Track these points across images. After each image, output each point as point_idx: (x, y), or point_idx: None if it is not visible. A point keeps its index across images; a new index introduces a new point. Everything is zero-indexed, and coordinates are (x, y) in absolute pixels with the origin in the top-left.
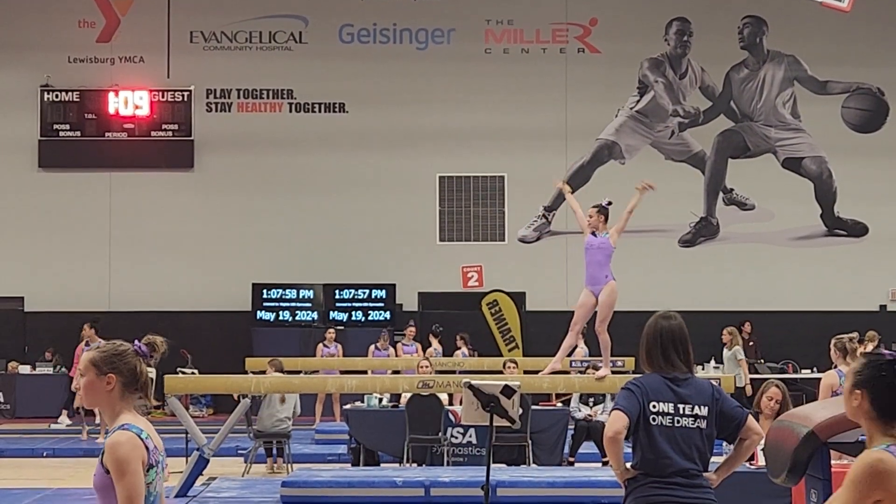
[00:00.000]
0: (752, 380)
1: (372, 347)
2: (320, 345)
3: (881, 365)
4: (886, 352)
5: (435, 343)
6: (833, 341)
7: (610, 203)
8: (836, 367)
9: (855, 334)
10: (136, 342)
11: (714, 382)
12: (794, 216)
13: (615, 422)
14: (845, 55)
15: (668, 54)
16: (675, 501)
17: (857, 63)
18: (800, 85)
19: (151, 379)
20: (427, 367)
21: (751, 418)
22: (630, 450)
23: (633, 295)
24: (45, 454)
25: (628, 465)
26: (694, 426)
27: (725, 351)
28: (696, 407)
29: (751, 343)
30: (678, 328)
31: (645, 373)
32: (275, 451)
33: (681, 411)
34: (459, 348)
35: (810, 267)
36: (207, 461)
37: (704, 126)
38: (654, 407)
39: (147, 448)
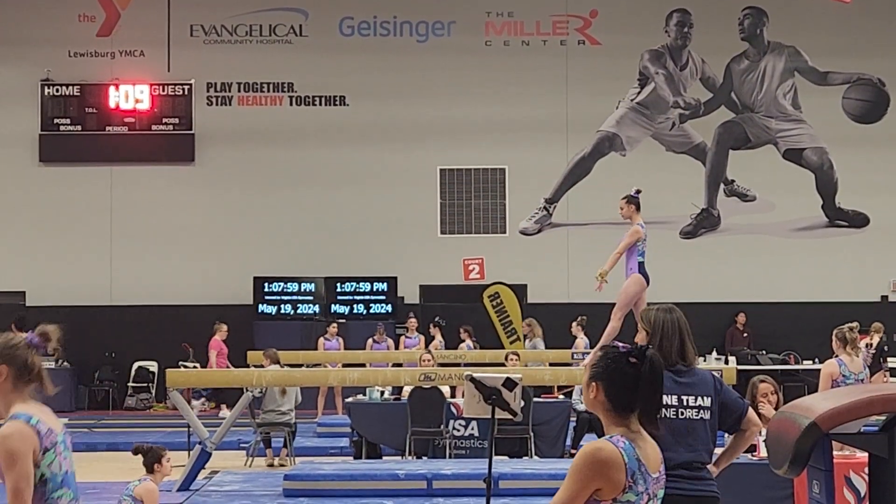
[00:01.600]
0: (750, 371)
1: (370, 341)
2: (322, 339)
3: (615, 357)
4: (620, 344)
5: (437, 336)
6: (835, 331)
7: (639, 192)
8: (836, 356)
9: (855, 324)
10: (30, 333)
11: (715, 373)
12: (796, 207)
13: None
14: (846, 46)
15: (669, 46)
16: (680, 493)
17: (857, 54)
18: (800, 76)
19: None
20: (429, 360)
21: (751, 410)
22: None
23: None
24: None
25: None
26: (697, 418)
27: (527, 342)
28: (700, 398)
29: (745, 334)
30: (684, 320)
31: None
32: (274, 443)
33: (684, 403)
34: (464, 341)
35: (811, 258)
36: (210, 454)
37: (705, 117)
38: None
39: (39, 433)
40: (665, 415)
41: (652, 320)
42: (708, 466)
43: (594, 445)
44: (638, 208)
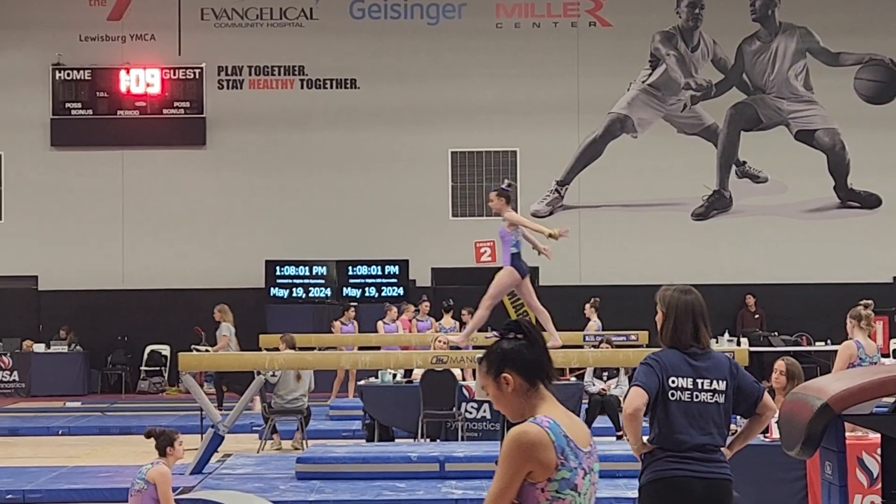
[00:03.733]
0: (763, 353)
1: (380, 323)
2: (338, 322)
3: (508, 341)
4: (495, 331)
5: (447, 318)
6: (850, 312)
7: (511, 185)
8: (853, 338)
9: (870, 301)
10: None
11: (729, 356)
12: (807, 188)
13: (635, 398)
14: (858, 26)
15: (680, 27)
16: (692, 476)
17: (869, 34)
18: (812, 57)
19: None
20: (443, 342)
21: (767, 394)
22: (647, 425)
23: (647, 268)
24: (60, 432)
25: (645, 439)
26: (712, 401)
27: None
28: (715, 381)
29: (756, 316)
30: (701, 302)
31: (662, 348)
32: (287, 427)
33: (699, 386)
34: (466, 323)
35: (823, 239)
36: (222, 438)
37: (717, 99)
38: (673, 382)
39: None
40: (679, 398)
41: (667, 301)
42: (721, 449)
43: (519, 429)
44: (508, 201)
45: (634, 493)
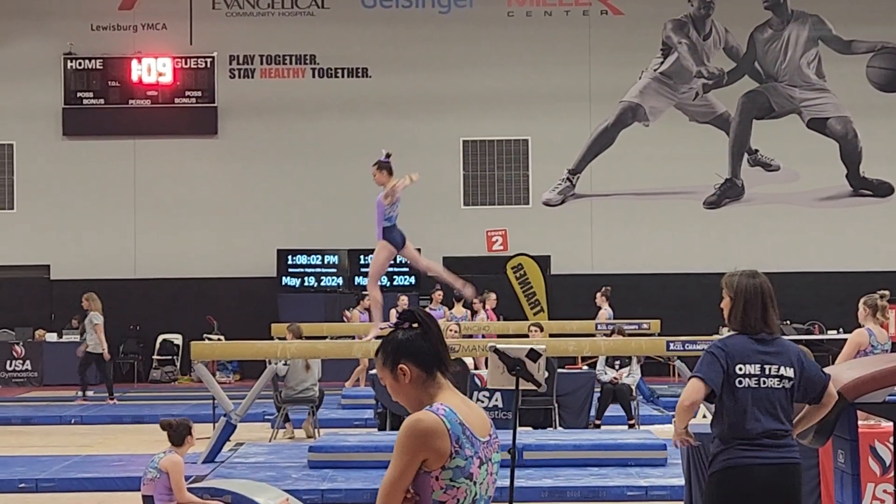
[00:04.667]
0: None
1: (393, 311)
2: (356, 311)
3: (401, 332)
4: (388, 324)
5: (458, 307)
6: (864, 299)
7: (389, 155)
8: (864, 326)
9: (886, 291)
10: None
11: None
12: (820, 177)
13: (694, 392)
14: (870, 14)
15: (692, 15)
16: (763, 463)
17: (882, 22)
18: (824, 45)
19: None
20: (455, 331)
21: (831, 383)
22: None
23: (659, 257)
24: (73, 421)
25: (686, 429)
26: (780, 387)
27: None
28: (782, 367)
29: None
30: (769, 286)
31: (730, 333)
32: (297, 416)
33: (767, 372)
34: (476, 312)
35: (836, 227)
36: (235, 427)
37: (728, 87)
38: (740, 370)
39: None
40: (747, 384)
41: (735, 286)
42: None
43: (414, 417)
44: (391, 172)
45: (646, 482)
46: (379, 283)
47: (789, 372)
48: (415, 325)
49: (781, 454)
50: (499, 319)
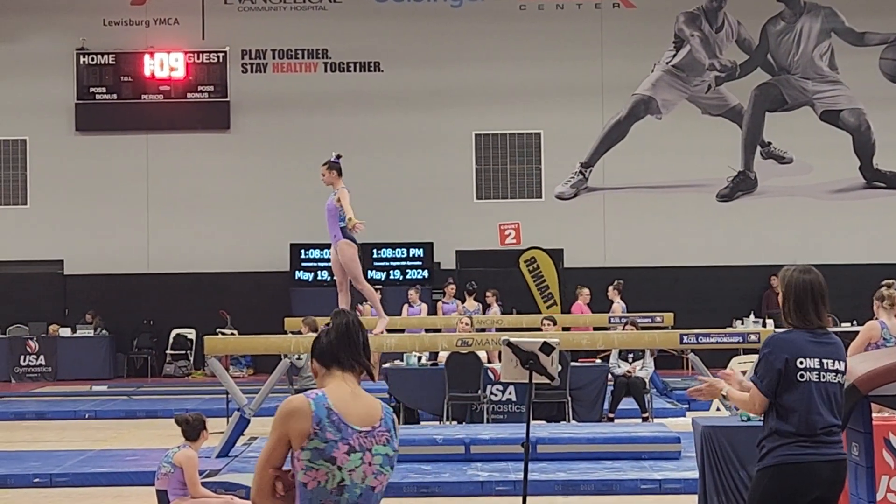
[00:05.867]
0: None
1: (406, 306)
2: (367, 306)
3: (325, 330)
4: (309, 316)
5: (470, 301)
6: (875, 294)
7: (339, 157)
8: (878, 318)
9: (892, 281)
10: None
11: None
12: (833, 169)
13: (758, 406)
14: (883, 6)
15: (704, 8)
16: (820, 460)
17: (894, 14)
18: (837, 37)
19: None
20: (468, 325)
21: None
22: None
23: (672, 250)
24: (87, 416)
25: (773, 425)
26: (836, 381)
27: None
28: (836, 362)
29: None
30: (821, 281)
31: (785, 328)
32: None
33: (825, 366)
34: (490, 305)
35: (849, 220)
36: (248, 421)
37: (741, 80)
38: (801, 363)
39: None
40: (809, 378)
41: (787, 281)
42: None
43: (286, 400)
44: (340, 173)
45: (660, 475)
46: (363, 280)
47: (841, 366)
48: (327, 324)
49: (836, 450)
50: (511, 313)
